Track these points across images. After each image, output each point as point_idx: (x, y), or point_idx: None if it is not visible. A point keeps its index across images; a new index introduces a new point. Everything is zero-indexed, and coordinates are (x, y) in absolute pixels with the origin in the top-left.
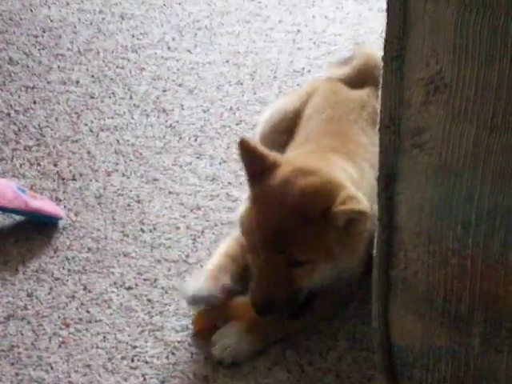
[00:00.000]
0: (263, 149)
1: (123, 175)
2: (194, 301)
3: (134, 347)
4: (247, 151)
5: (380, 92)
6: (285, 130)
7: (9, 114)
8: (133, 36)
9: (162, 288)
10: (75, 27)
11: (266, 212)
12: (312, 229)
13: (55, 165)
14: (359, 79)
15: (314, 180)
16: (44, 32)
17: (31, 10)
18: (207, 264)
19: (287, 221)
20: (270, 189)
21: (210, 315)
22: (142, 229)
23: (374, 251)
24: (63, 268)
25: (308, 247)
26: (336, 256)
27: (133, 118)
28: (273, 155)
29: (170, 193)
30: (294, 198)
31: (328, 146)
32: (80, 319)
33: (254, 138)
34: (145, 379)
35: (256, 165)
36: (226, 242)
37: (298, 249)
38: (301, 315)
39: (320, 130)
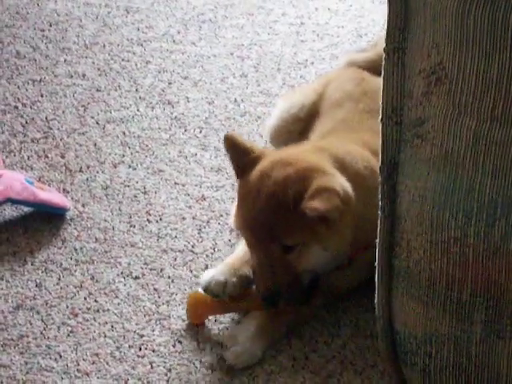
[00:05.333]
0: (249, 143)
1: (129, 167)
2: (210, 286)
3: (142, 336)
4: (233, 146)
5: (382, 83)
6: (302, 121)
7: (16, 107)
8: (138, 29)
9: (169, 277)
10: (81, 21)
11: (248, 205)
12: (290, 215)
13: (62, 157)
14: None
15: (288, 169)
16: (50, 26)
17: (38, 4)
18: (228, 257)
19: (266, 211)
20: (250, 182)
21: (204, 308)
22: (148, 219)
23: (377, 240)
24: (71, 258)
25: (292, 232)
26: (321, 237)
27: (138, 111)
28: (258, 149)
29: (175, 184)
30: (268, 189)
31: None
32: (88, 309)
33: (261, 129)
34: (152, 367)
35: (241, 159)
36: None
37: (283, 235)
38: (309, 300)
39: (359, 121)
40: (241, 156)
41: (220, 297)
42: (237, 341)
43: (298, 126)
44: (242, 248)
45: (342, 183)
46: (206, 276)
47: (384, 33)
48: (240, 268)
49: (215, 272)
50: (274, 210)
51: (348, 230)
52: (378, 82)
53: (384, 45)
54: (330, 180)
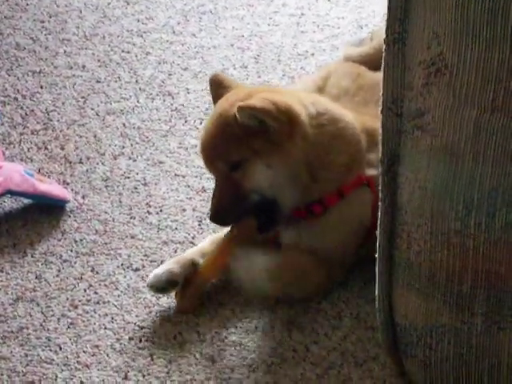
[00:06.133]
0: (232, 81)
1: (129, 158)
2: (150, 282)
3: (142, 328)
4: (216, 82)
5: (382, 74)
6: None
7: (16, 99)
8: (138, 20)
9: None
10: (81, 12)
11: (204, 127)
12: (233, 131)
13: (62, 148)
14: (379, 58)
15: (240, 92)
16: (50, 17)
17: None
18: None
19: (213, 129)
20: (215, 109)
21: (187, 295)
22: (148, 211)
23: (378, 232)
24: (71, 250)
25: (233, 147)
26: (263, 152)
27: (138, 102)
28: (236, 84)
29: (175, 175)
30: (218, 109)
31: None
32: (88, 301)
33: None
34: (152, 359)
35: (220, 93)
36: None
37: (225, 151)
38: (268, 229)
39: (355, 111)
40: (221, 91)
41: (163, 288)
42: (251, 261)
43: None
44: (206, 241)
45: (287, 101)
46: (150, 275)
47: (383, 24)
48: (185, 257)
49: (157, 269)
50: (218, 127)
51: (297, 151)
52: (374, 76)
53: (381, 37)
54: (271, 95)
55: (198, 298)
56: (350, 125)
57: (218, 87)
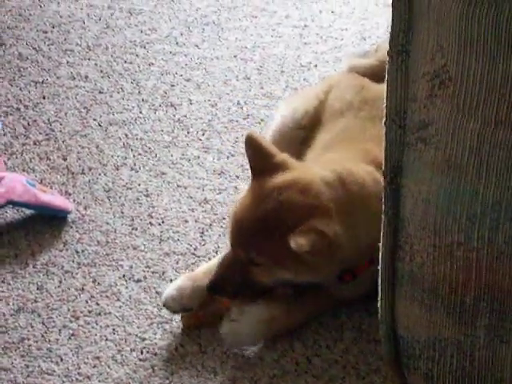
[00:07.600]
0: (270, 146)
1: (132, 169)
2: (167, 303)
3: (143, 339)
4: (253, 146)
5: (386, 86)
6: (305, 128)
7: (18, 109)
8: (141, 31)
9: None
10: (84, 23)
11: (246, 206)
12: (271, 240)
13: (64, 159)
14: (384, 70)
15: (294, 198)
16: (53, 27)
17: (40, 6)
18: (200, 266)
19: (255, 226)
20: (260, 188)
21: (197, 312)
22: (150, 222)
23: (380, 244)
24: (73, 261)
25: (264, 253)
26: (291, 268)
27: (141, 113)
28: (281, 156)
29: (178, 186)
30: (268, 208)
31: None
32: (89, 312)
33: (264, 132)
34: (154, 371)
35: (260, 161)
36: None
37: (256, 253)
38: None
39: (361, 130)
40: (260, 158)
41: (178, 312)
42: (241, 318)
43: (300, 133)
44: (214, 260)
45: (337, 230)
46: (166, 292)
47: (387, 36)
48: (203, 280)
49: (173, 287)
50: (261, 226)
51: (328, 265)
52: (378, 88)
53: (386, 49)
54: (327, 225)
55: (205, 319)
56: (374, 185)
57: (258, 152)
